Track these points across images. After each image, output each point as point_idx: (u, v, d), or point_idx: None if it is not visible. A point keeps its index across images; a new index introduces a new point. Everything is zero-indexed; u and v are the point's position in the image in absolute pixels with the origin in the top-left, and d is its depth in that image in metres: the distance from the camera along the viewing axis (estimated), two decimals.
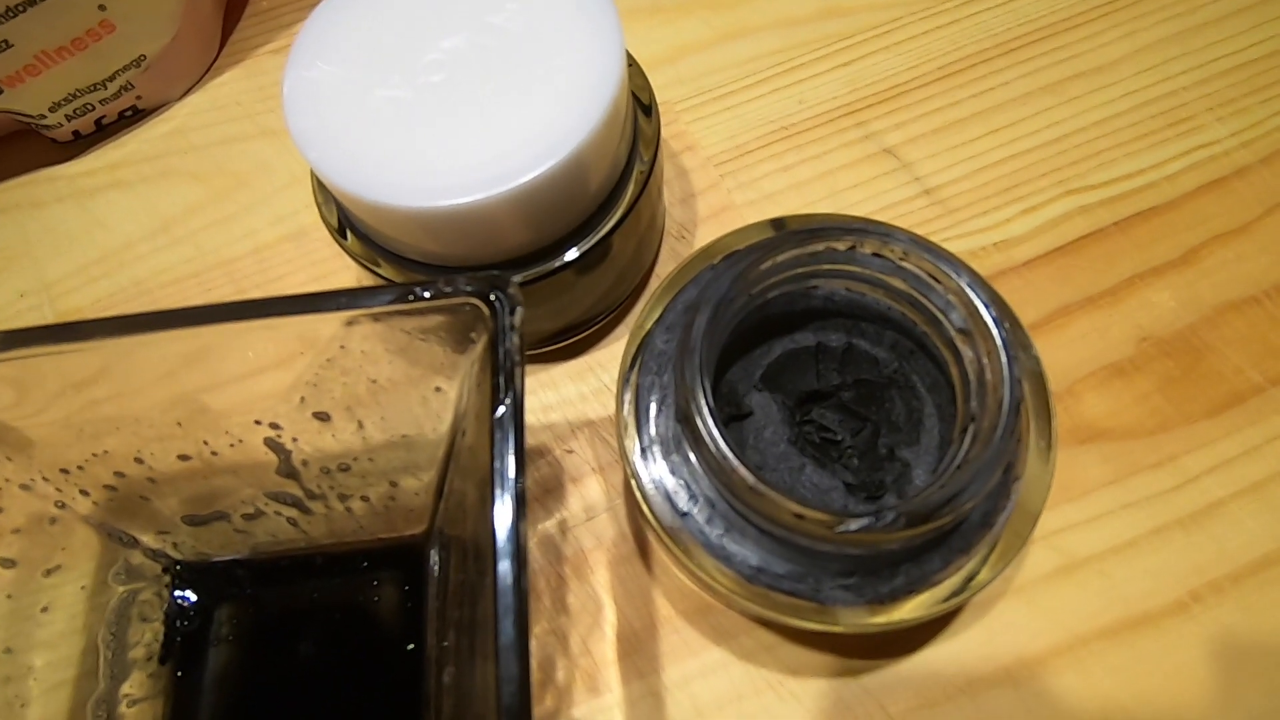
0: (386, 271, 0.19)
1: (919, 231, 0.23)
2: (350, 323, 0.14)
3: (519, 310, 0.13)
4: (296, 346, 0.15)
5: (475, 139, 0.17)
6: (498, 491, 0.12)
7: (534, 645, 0.19)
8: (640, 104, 0.20)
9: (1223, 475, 0.19)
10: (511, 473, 0.12)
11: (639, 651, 0.19)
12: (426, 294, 0.13)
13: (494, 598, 0.12)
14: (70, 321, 0.14)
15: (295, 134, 0.17)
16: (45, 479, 0.16)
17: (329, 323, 0.14)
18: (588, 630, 0.19)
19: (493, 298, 0.14)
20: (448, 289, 0.13)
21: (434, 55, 0.17)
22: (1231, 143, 0.23)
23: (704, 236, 0.23)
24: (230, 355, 0.15)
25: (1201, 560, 0.19)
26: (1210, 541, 0.19)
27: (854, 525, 0.13)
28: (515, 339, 0.13)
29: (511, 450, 0.12)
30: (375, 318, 0.14)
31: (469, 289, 0.13)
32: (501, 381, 0.13)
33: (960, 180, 0.23)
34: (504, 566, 0.12)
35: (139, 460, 0.16)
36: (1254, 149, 0.23)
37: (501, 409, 0.13)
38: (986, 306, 0.15)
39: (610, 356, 0.22)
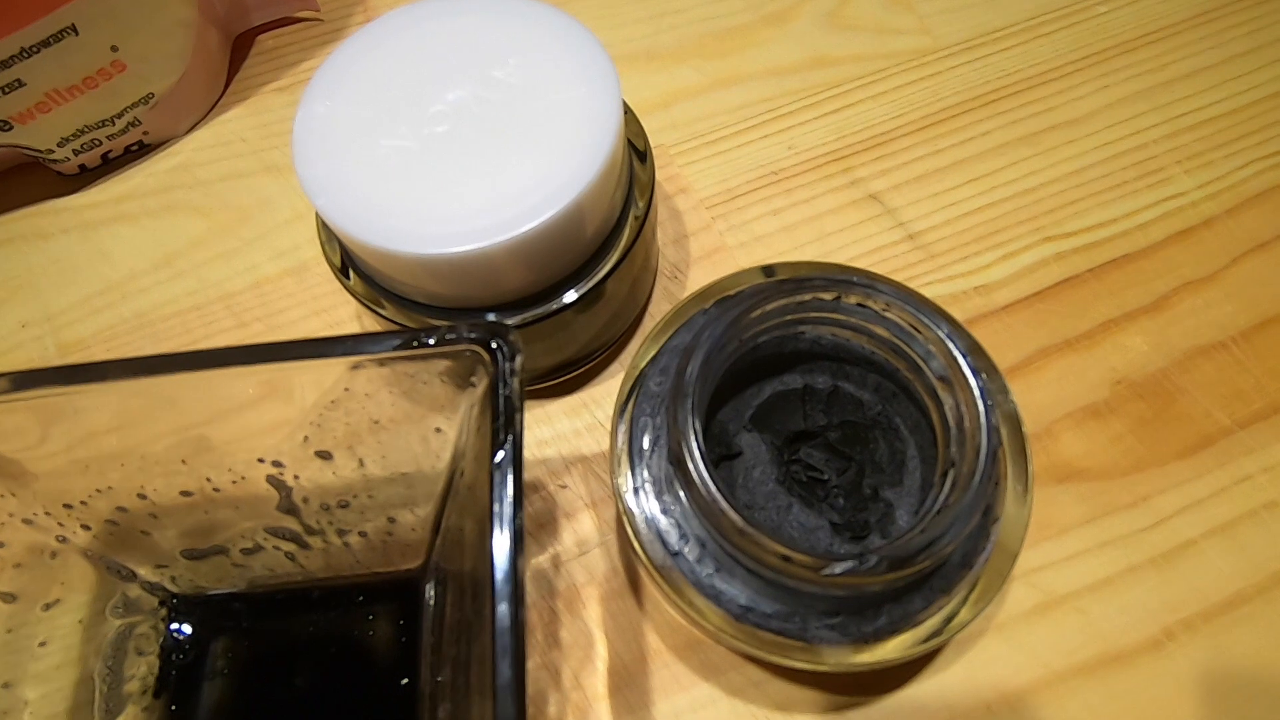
0: (388, 311, 0.19)
1: (902, 275, 0.24)
2: (355, 366, 0.15)
3: (518, 357, 0.14)
4: (303, 389, 0.15)
5: (478, 188, 0.17)
6: (497, 534, 0.13)
7: (527, 680, 0.19)
8: (636, 151, 0.21)
9: (1194, 515, 0.20)
10: (510, 515, 0.13)
11: (630, 686, 0.19)
12: (430, 340, 0.14)
13: (492, 638, 0.12)
14: (82, 363, 0.14)
15: (304, 180, 0.17)
16: (48, 513, 0.17)
17: (335, 366, 0.15)
18: (579, 664, 0.19)
19: (493, 345, 0.14)
20: (450, 336, 0.14)
21: (439, 107, 0.18)
22: (1199, 194, 0.24)
23: (696, 276, 0.24)
24: (238, 396, 0.15)
25: (1174, 598, 0.19)
26: (1183, 580, 0.19)
27: (839, 568, 0.14)
28: (515, 384, 0.14)
29: (510, 493, 0.13)
30: (380, 362, 0.14)
31: (471, 336, 0.14)
32: (501, 425, 0.13)
33: (942, 226, 0.24)
34: (502, 608, 0.12)
35: (142, 495, 0.17)
36: (1220, 200, 0.24)
37: (501, 453, 0.13)
38: (964, 356, 0.15)
39: (605, 393, 0.23)
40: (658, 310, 0.24)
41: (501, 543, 0.13)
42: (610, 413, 0.22)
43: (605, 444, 0.22)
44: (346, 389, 0.15)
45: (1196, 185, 0.25)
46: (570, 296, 0.19)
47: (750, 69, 0.28)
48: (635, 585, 0.20)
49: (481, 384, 0.15)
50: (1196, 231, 0.24)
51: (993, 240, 0.24)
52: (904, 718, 0.18)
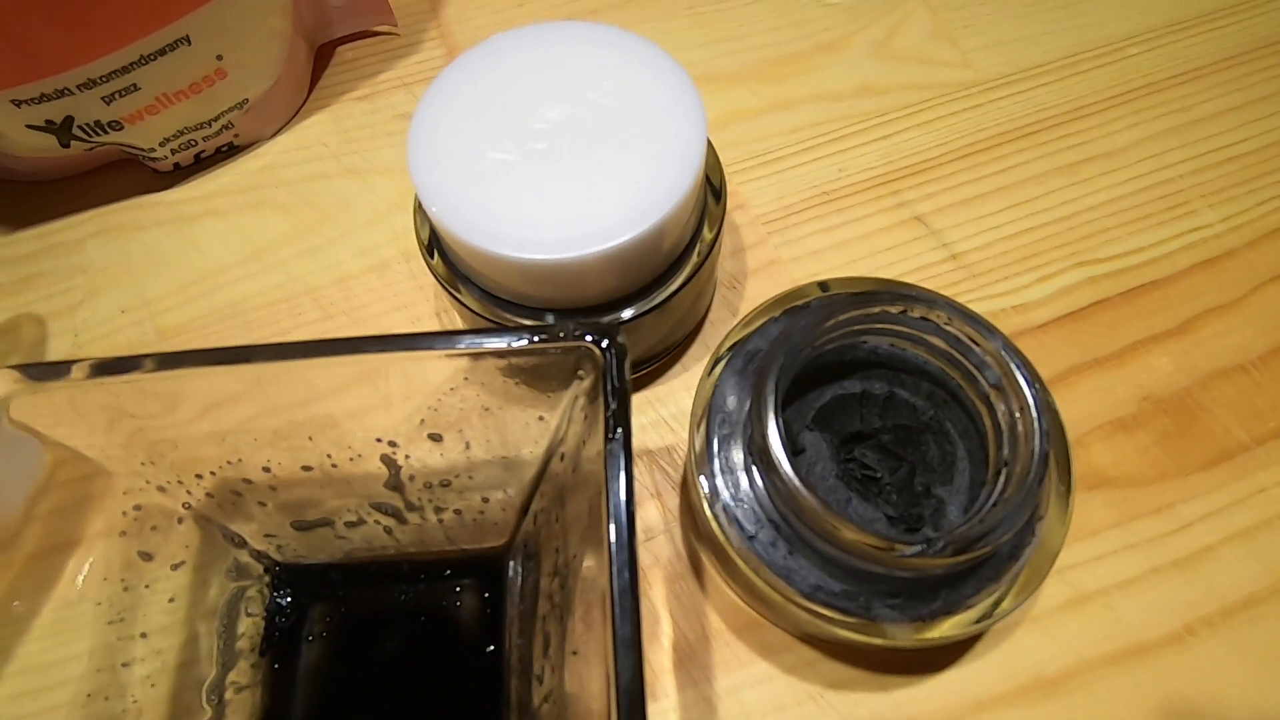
0: (465, 298, 0.21)
1: (946, 293, 0.25)
2: (477, 357, 0.16)
3: (627, 356, 0.16)
4: (425, 375, 0.17)
5: (573, 202, 0.19)
6: (612, 509, 0.14)
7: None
8: (711, 186, 0.22)
9: (1214, 523, 0.22)
10: (624, 492, 0.15)
11: (692, 661, 0.21)
12: (550, 338, 0.16)
13: (612, 602, 0.14)
14: (227, 346, 0.16)
15: (420, 188, 0.19)
16: (180, 481, 0.18)
17: (460, 357, 0.16)
18: (646, 640, 0.21)
19: (605, 343, 0.16)
20: (566, 334, 0.16)
21: (539, 125, 0.20)
22: (1222, 227, 0.26)
23: (753, 287, 0.26)
24: (367, 380, 0.17)
25: (1195, 597, 0.21)
26: (1203, 581, 0.21)
27: (910, 550, 0.15)
28: (627, 377, 0.15)
29: (624, 473, 0.15)
30: (501, 354, 0.16)
31: (587, 335, 0.16)
32: (614, 414, 0.15)
33: (983, 248, 0.26)
34: (619, 575, 0.14)
35: (266, 469, 0.18)
36: (1241, 234, 0.26)
37: (615, 438, 0.15)
38: (1019, 368, 0.17)
39: (668, 392, 0.24)
40: (717, 317, 0.26)
41: (617, 516, 0.14)
42: (673, 410, 0.24)
43: (669, 439, 0.24)
44: (466, 377, 0.17)
45: (1220, 219, 0.26)
46: (641, 306, 0.21)
47: (803, 94, 0.30)
48: (698, 569, 0.22)
49: (589, 378, 0.16)
50: (1219, 262, 0.26)
51: (1031, 263, 0.26)
52: (947, 697, 0.20)
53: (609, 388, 0.15)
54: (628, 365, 0.16)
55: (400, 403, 0.17)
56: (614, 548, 0.14)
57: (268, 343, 0.16)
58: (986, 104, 0.29)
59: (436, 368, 0.17)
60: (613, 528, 0.14)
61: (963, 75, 0.30)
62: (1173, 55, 0.30)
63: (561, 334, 0.16)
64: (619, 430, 0.15)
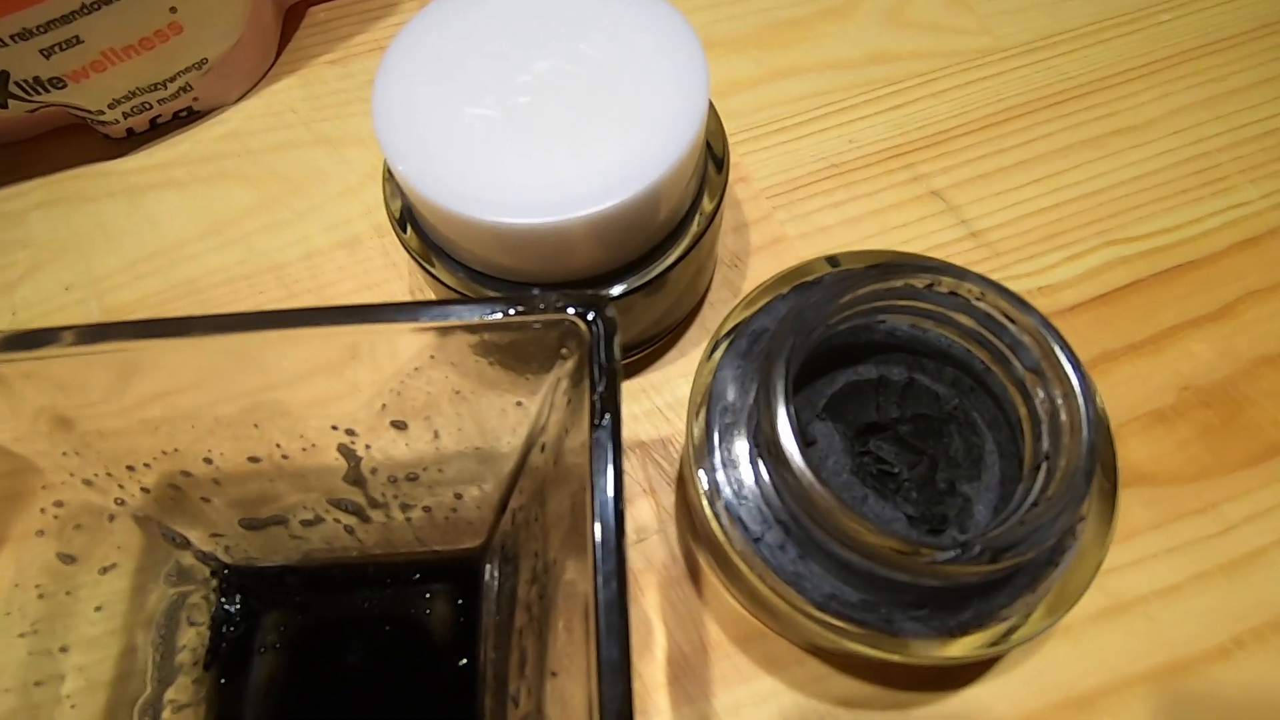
0: (439, 271, 0.19)
1: None
2: (445, 332, 0.14)
3: (617, 332, 0.14)
4: (388, 354, 0.15)
5: (559, 163, 0.17)
6: (598, 508, 0.12)
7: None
8: (713, 154, 0.20)
9: (1262, 524, 0.20)
10: (612, 489, 0.12)
11: (689, 676, 0.19)
12: (529, 310, 0.14)
13: (596, 616, 0.12)
14: (162, 318, 0.14)
15: (385, 145, 0.17)
16: (109, 474, 0.16)
17: (426, 331, 0.14)
18: (637, 653, 0.19)
19: (591, 317, 0.14)
20: (547, 306, 0.14)
21: (524, 77, 0.18)
22: (1263, 204, 0.24)
23: (757, 265, 0.24)
24: (321, 359, 0.15)
25: (1243, 607, 0.19)
26: (1252, 589, 0.19)
27: (942, 556, 0.13)
28: (617, 356, 0.13)
29: (612, 467, 0.13)
30: (473, 329, 0.14)
31: (571, 308, 0.14)
32: (601, 397, 0.13)
33: (1005, 225, 0.24)
34: (606, 585, 0.12)
35: (208, 460, 0.16)
36: None
37: (604, 426, 0.13)
38: (1063, 348, 0.15)
39: (663, 379, 0.22)
40: (717, 298, 0.24)
41: (603, 517, 0.12)
42: (668, 399, 0.22)
43: (664, 430, 0.22)
44: (432, 356, 0.15)
45: (1261, 195, 0.24)
46: (633, 282, 0.19)
47: (809, 62, 0.28)
48: (695, 574, 0.20)
49: (573, 357, 0.14)
50: (1262, 240, 0.24)
51: (1057, 241, 0.24)
52: (969, 716, 0.18)
53: (596, 368, 0.13)
54: (618, 342, 0.14)
55: (359, 386, 0.15)
56: (599, 552, 0.12)
57: (205, 315, 0.14)
58: (1006, 73, 0.27)
59: (399, 344, 0.14)
60: (598, 528, 0.12)
61: (980, 42, 0.28)
62: (1204, 23, 0.28)
63: (542, 306, 0.14)
64: (606, 416, 0.13)
